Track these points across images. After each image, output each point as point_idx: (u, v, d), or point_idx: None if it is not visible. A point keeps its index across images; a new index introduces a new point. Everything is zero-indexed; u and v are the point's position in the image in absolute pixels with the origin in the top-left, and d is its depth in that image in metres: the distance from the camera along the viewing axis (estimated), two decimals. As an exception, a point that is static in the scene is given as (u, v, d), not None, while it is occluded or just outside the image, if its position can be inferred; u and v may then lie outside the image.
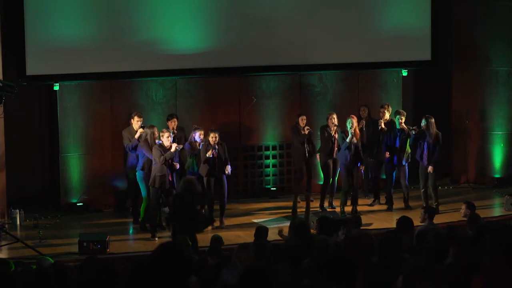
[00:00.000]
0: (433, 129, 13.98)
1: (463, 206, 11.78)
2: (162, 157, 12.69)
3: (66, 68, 13.95)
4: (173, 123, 13.92)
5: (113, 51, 14.24)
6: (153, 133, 13.10)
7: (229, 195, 15.29)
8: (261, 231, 10.41)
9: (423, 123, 14.02)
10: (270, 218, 13.95)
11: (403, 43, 15.71)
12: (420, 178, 14.19)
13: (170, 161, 12.88)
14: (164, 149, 12.78)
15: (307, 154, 14.63)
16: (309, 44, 15.20)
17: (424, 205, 13.62)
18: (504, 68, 16.33)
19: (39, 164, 14.92)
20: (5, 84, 12.30)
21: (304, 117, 14.67)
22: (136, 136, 13.45)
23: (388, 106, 14.71)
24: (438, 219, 11.37)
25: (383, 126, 14.44)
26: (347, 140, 13.92)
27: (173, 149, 12.78)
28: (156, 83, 14.94)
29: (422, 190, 14.21)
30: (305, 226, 10.02)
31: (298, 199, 15.06)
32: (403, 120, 14.28)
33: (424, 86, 16.89)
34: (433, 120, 14.02)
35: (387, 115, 14.60)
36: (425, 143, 13.99)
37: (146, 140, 13.08)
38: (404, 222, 9.56)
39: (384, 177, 14.79)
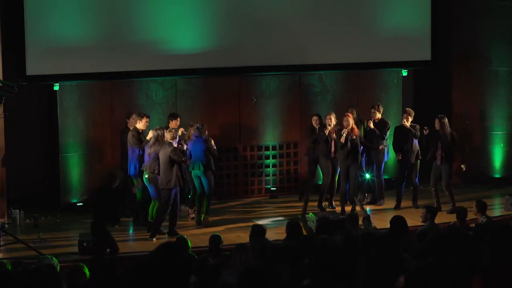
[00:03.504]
0: (447, 129, 14.05)
1: (474, 205, 11.73)
2: (184, 158, 12.86)
3: (66, 68, 13.95)
4: (177, 122, 13.93)
5: (113, 51, 14.24)
6: (163, 135, 13.11)
7: (229, 195, 15.37)
8: (257, 230, 10.39)
9: (437, 124, 14.06)
10: (270, 218, 13.95)
11: (403, 43, 15.71)
12: (431, 178, 14.26)
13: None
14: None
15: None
16: (309, 44, 15.20)
17: (435, 204, 13.66)
18: (504, 68, 16.34)
19: (39, 164, 14.91)
20: (5, 84, 12.30)
21: (316, 118, 14.69)
22: (149, 137, 13.44)
23: (378, 106, 14.71)
24: (439, 219, 11.35)
25: (371, 126, 14.44)
26: (342, 137, 13.98)
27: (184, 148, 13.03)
28: (156, 83, 14.94)
29: (433, 189, 14.28)
30: (298, 226, 10.06)
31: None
32: (410, 120, 14.32)
33: (424, 86, 16.89)
34: (446, 120, 14.10)
35: (378, 115, 14.62)
36: (439, 143, 14.05)
37: (158, 141, 13.06)
38: (397, 222, 9.57)
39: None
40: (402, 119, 14.55)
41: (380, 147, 14.48)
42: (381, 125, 14.60)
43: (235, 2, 14.87)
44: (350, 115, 14.19)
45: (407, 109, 14.69)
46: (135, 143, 13.50)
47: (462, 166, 14.39)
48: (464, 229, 10.22)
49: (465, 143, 16.12)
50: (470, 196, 14.76)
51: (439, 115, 14.24)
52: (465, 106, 16.35)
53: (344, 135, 13.94)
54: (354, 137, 14.01)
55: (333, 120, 14.29)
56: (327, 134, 14.24)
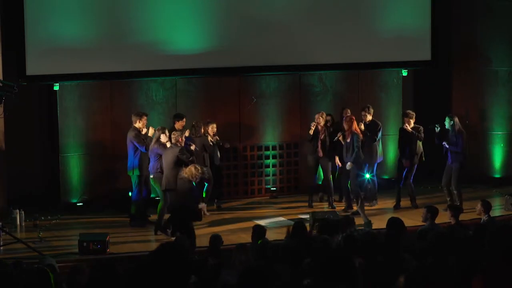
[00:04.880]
0: (457, 127, 14.08)
1: (478, 205, 11.72)
2: (192, 158, 12.98)
3: (66, 68, 13.95)
4: (183, 123, 13.96)
5: (113, 51, 14.24)
6: (165, 135, 13.12)
7: (229, 195, 15.36)
8: (258, 230, 10.41)
9: (447, 122, 14.07)
10: (270, 218, 13.95)
11: (403, 43, 15.70)
12: (444, 177, 14.28)
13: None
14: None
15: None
16: (309, 44, 15.20)
17: (449, 203, 13.67)
18: (504, 68, 16.33)
19: (39, 164, 14.92)
20: (5, 84, 12.30)
21: (329, 117, 14.71)
22: (150, 133, 13.46)
23: (368, 109, 14.67)
24: (439, 219, 11.34)
25: (362, 128, 14.44)
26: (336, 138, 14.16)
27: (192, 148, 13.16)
28: (156, 83, 14.94)
29: (444, 188, 14.31)
30: (302, 226, 10.09)
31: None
32: (412, 122, 14.30)
33: (424, 86, 16.89)
34: (456, 119, 14.13)
35: (368, 117, 14.60)
36: (449, 142, 14.07)
37: (159, 141, 13.04)
38: (395, 223, 9.57)
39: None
40: (403, 123, 14.51)
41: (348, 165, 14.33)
42: (372, 126, 14.58)
43: (235, 3, 14.87)
44: (347, 115, 14.23)
45: (408, 111, 14.62)
46: (140, 142, 13.45)
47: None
48: (464, 229, 10.23)
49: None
50: (470, 196, 14.76)
51: (450, 114, 14.32)
52: (465, 106, 16.35)
53: (313, 128, 14.27)
54: (348, 139, 14.02)
55: (321, 120, 14.37)
56: (311, 133, 14.32)
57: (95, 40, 14.08)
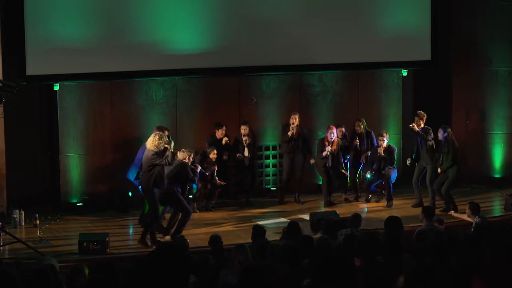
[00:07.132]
0: (452, 137, 14.07)
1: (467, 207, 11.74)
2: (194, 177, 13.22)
3: (66, 68, 13.95)
4: (223, 131, 14.47)
5: (113, 51, 14.24)
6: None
7: (229, 195, 15.35)
8: (258, 230, 10.42)
9: (441, 134, 14.06)
10: (270, 218, 13.95)
11: (403, 43, 15.70)
12: (436, 182, 14.28)
13: None
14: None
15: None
16: (309, 44, 15.20)
17: (429, 203, 13.74)
18: (504, 68, 16.33)
19: (39, 164, 14.91)
20: (5, 84, 12.29)
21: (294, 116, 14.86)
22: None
23: (386, 134, 14.77)
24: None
25: (382, 154, 14.52)
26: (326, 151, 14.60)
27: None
28: (156, 83, 14.94)
29: (429, 188, 14.39)
30: (297, 226, 10.10)
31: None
32: (421, 123, 14.29)
33: (424, 86, 16.88)
34: (450, 130, 14.19)
35: (384, 144, 14.66)
36: (441, 152, 14.09)
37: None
38: (391, 222, 9.56)
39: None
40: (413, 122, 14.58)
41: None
42: (389, 151, 14.64)
43: (235, 3, 14.86)
44: (333, 127, 14.62)
45: (419, 112, 14.59)
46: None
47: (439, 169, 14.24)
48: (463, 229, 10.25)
49: (464, 143, 16.15)
50: (469, 196, 14.75)
51: (443, 125, 14.31)
52: (465, 106, 16.35)
53: (327, 151, 14.55)
54: (334, 148, 14.54)
55: (296, 120, 14.48)
56: (290, 135, 14.59)
57: (95, 40, 14.08)
